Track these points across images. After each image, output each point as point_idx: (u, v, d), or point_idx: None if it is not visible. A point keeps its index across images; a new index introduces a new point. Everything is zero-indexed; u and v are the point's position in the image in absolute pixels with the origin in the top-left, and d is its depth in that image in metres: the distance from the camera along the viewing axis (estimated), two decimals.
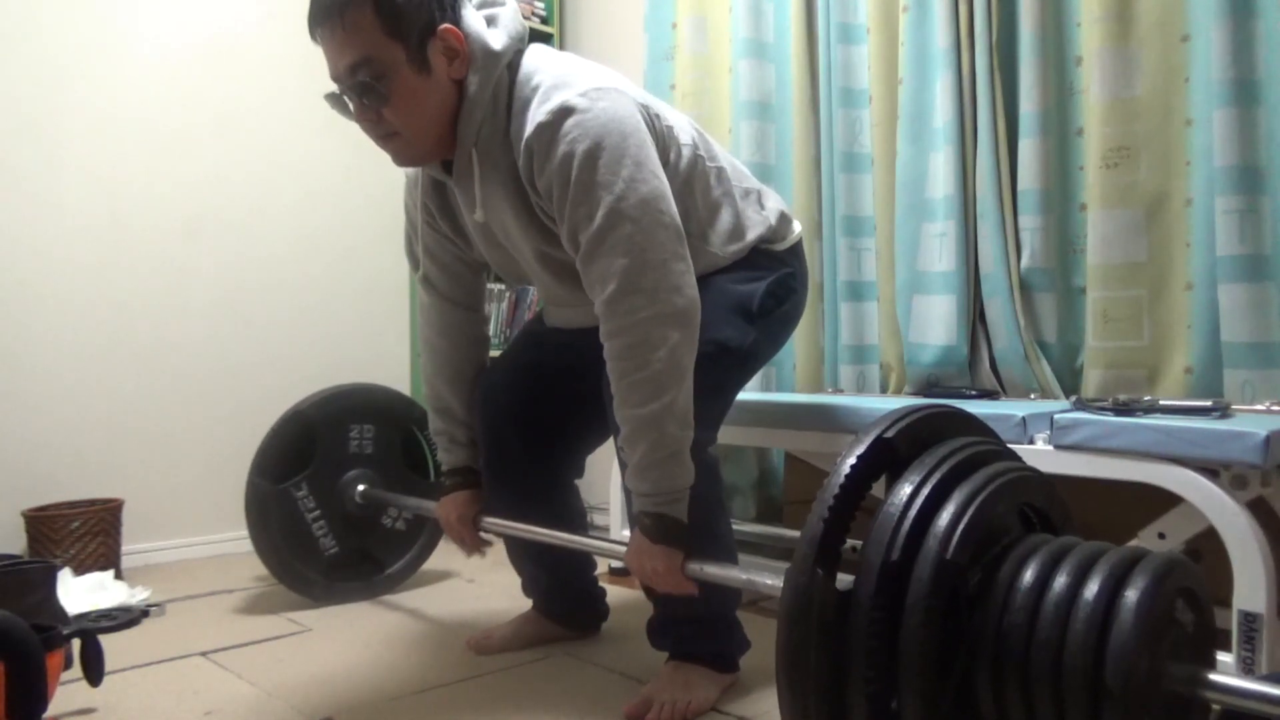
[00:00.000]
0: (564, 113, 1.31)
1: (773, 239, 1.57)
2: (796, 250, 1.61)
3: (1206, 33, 1.78)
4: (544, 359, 1.68)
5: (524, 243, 1.48)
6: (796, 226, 1.63)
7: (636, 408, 1.31)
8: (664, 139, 1.44)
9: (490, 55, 1.38)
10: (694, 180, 1.48)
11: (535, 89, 1.36)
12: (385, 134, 1.40)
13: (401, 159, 1.45)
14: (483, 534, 1.74)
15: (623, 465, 1.40)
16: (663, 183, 1.35)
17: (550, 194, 1.35)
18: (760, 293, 1.51)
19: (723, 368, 1.46)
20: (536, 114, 1.33)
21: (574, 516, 1.77)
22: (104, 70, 2.43)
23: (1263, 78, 1.74)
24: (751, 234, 1.53)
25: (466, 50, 1.37)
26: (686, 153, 1.47)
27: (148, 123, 2.50)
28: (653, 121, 1.42)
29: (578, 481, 1.80)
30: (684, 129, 1.50)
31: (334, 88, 1.39)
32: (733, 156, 1.63)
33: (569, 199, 1.32)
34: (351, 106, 1.39)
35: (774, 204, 1.61)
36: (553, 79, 1.36)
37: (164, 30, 2.53)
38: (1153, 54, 1.89)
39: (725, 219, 1.51)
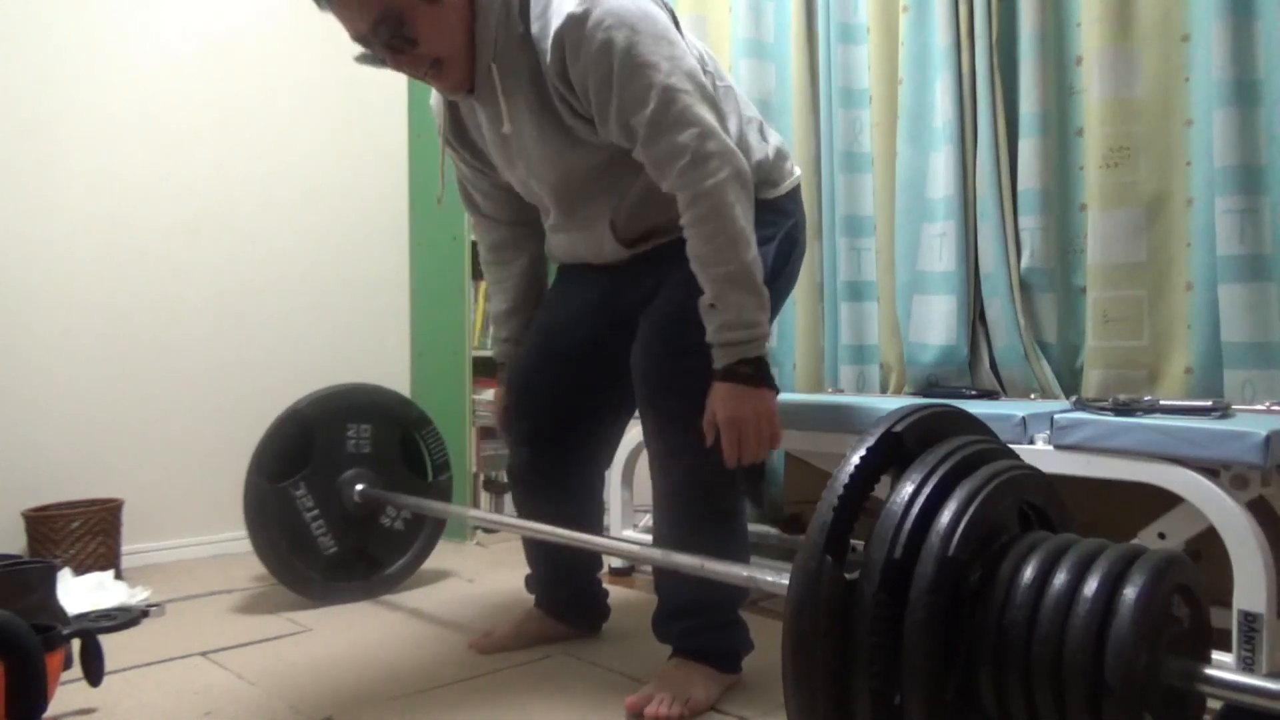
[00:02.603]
0: (592, 2, 1.33)
1: (772, 180, 1.57)
2: (795, 195, 1.62)
3: (1206, 33, 1.78)
4: (570, 345, 1.68)
5: (538, 147, 1.48)
6: (796, 169, 1.64)
7: (729, 264, 1.36)
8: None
9: None
10: None
11: None
12: (430, 67, 1.41)
13: (453, 86, 1.47)
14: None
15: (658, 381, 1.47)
16: (695, 60, 1.40)
17: (585, 86, 1.37)
18: (771, 256, 1.53)
19: None
20: (564, 6, 1.34)
21: (598, 510, 1.81)
22: (105, 70, 2.43)
23: (1263, 78, 1.74)
24: (753, 158, 1.53)
25: None
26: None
27: (148, 122, 2.50)
28: (673, 14, 1.45)
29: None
30: (694, 43, 1.52)
31: (356, 49, 1.41)
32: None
33: (614, 86, 1.34)
34: (386, 59, 1.41)
35: (774, 139, 1.62)
36: None
37: (165, 30, 2.53)
38: (1153, 54, 1.89)
39: (731, 133, 1.50)
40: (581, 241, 1.61)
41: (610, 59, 1.32)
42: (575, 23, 1.33)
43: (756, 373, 1.39)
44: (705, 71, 1.49)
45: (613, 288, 1.62)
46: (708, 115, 1.37)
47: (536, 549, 1.80)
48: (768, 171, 1.56)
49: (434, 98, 1.65)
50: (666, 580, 1.54)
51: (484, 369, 2.68)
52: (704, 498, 1.45)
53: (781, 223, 1.56)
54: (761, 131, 1.59)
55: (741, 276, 1.37)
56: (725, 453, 1.40)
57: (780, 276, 1.56)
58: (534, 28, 1.39)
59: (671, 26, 1.40)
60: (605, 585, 1.89)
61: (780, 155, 1.60)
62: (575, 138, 1.44)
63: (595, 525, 1.83)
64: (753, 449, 1.40)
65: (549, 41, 1.36)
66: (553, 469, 1.71)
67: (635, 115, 1.35)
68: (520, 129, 1.47)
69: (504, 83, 1.43)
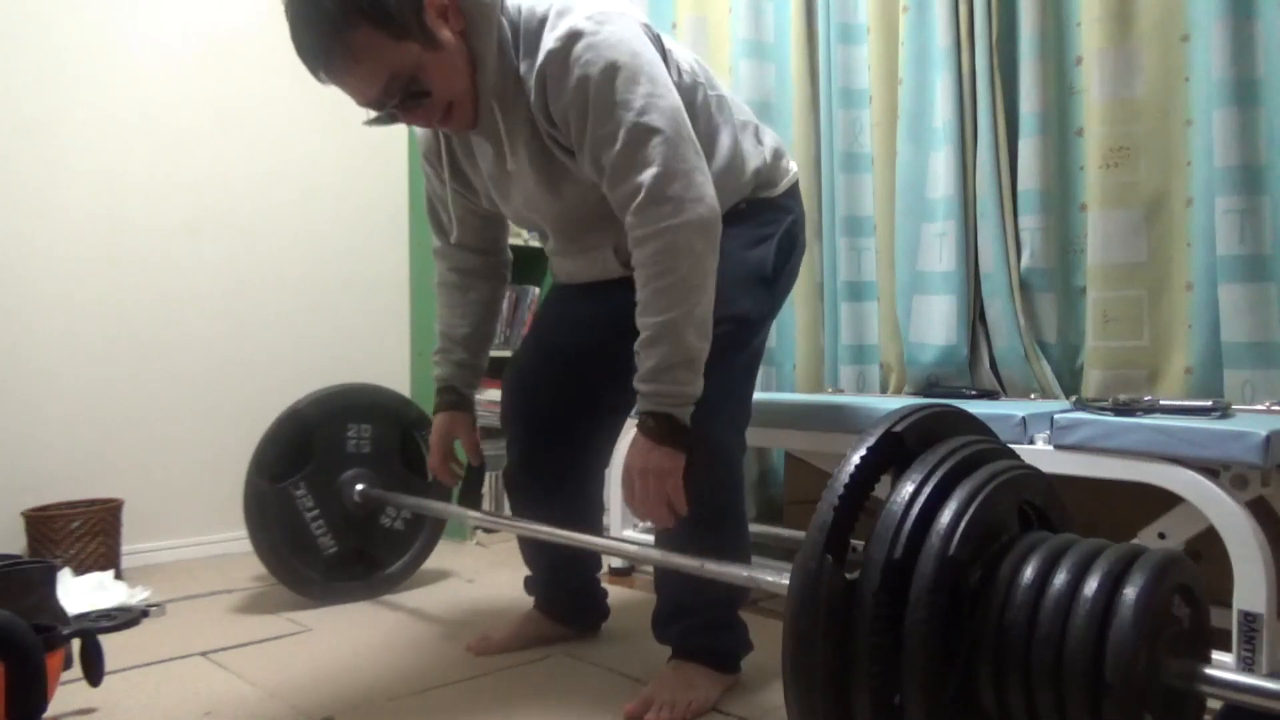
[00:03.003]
0: (573, 37, 1.31)
1: (771, 181, 1.57)
2: (794, 192, 1.62)
3: (1206, 33, 1.78)
4: (569, 344, 1.69)
5: (536, 182, 1.48)
6: (793, 166, 1.63)
7: (659, 314, 1.31)
8: (665, 60, 1.44)
9: (483, 7, 1.38)
10: (694, 106, 1.47)
11: (542, 22, 1.36)
12: (443, 113, 1.40)
13: (462, 126, 1.45)
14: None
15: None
16: (678, 98, 1.36)
17: (566, 121, 1.35)
18: (772, 254, 1.52)
19: (742, 342, 1.48)
20: (547, 41, 1.33)
21: (596, 509, 1.80)
22: (104, 70, 2.43)
23: (1263, 78, 1.74)
24: (749, 167, 1.52)
25: (454, 1, 1.36)
26: (686, 79, 1.47)
27: (148, 122, 2.50)
28: (658, 39, 1.43)
29: None
30: (684, 56, 1.51)
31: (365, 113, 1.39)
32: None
33: (589, 121, 1.32)
34: (397, 116, 1.39)
35: (770, 140, 1.61)
36: (557, 7, 1.36)
37: (164, 30, 2.53)
38: (1153, 54, 1.89)
39: (724, 147, 1.50)
40: (584, 264, 1.61)
41: (586, 94, 1.31)
42: (555, 58, 1.32)
43: (663, 430, 1.33)
44: (697, 83, 1.49)
45: (613, 293, 1.61)
46: (678, 158, 1.31)
47: (534, 549, 1.80)
48: (766, 175, 1.56)
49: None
50: (666, 580, 1.55)
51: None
52: (704, 497, 1.45)
53: (781, 219, 1.56)
54: (757, 135, 1.59)
55: (671, 332, 1.30)
56: (624, 501, 1.39)
57: (781, 274, 1.56)
58: (523, 66, 1.38)
59: (656, 60, 1.36)
60: (605, 585, 1.89)
61: (777, 155, 1.60)
62: (570, 172, 1.43)
63: (594, 525, 1.83)
64: (641, 507, 1.36)
65: (533, 78, 1.35)
66: (551, 468, 1.71)
67: (605, 153, 1.33)
68: (519, 164, 1.47)
69: (505, 121, 1.42)
